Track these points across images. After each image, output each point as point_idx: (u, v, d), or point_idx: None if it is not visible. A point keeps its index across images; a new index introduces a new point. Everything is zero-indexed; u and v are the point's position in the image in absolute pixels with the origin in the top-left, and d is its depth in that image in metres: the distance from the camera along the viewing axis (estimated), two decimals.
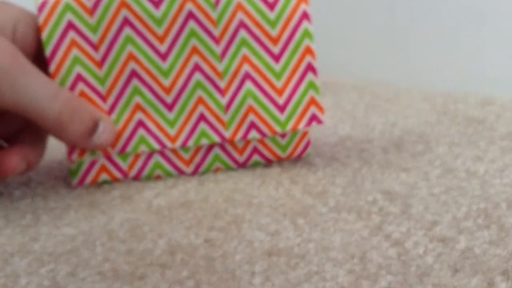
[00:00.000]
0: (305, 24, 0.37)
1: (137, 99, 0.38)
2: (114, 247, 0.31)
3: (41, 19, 0.36)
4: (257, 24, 0.37)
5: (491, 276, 0.25)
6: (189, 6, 0.37)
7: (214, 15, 0.37)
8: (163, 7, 0.37)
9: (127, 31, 0.37)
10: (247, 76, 0.38)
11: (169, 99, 0.38)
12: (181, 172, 0.39)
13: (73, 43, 0.37)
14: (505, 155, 0.38)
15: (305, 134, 0.39)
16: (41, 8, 0.36)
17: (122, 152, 0.38)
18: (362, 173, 0.38)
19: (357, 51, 0.81)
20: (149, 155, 0.39)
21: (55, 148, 0.43)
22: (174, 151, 0.39)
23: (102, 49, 0.37)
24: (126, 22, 0.37)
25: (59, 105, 0.35)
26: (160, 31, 0.37)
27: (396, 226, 0.30)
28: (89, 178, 0.39)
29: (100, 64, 0.37)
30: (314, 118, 0.38)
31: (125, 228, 0.33)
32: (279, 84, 0.38)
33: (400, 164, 0.38)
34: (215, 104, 0.38)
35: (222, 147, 0.39)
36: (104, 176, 0.39)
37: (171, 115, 0.38)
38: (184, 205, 0.35)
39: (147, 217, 0.34)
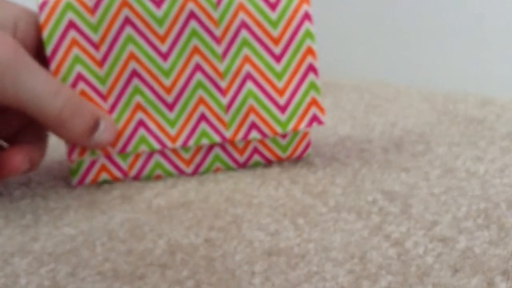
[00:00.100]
0: (306, 25, 0.37)
1: (138, 98, 0.38)
2: (114, 247, 0.31)
3: (42, 18, 0.36)
4: (259, 24, 0.37)
5: (491, 276, 0.25)
6: (191, 6, 0.37)
7: (215, 15, 0.37)
8: (164, 6, 0.37)
9: (128, 30, 0.37)
10: (248, 76, 0.38)
11: (170, 99, 0.38)
12: (181, 172, 0.39)
13: (74, 42, 0.37)
14: (505, 155, 0.38)
15: (305, 134, 0.39)
16: (42, 6, 0.36)
17: (122, 151, 0.38)
18: (362, 173, 0.38)
19: (357, 51, 0.81)
20: (150, 155, 0.39)
21: (55, 148, 0.43)
22: (174, 151, 0.39)
23: (103, 48, 0.37)
24: (127, 21, 0.37)
25: (61, 102, 0.35)
26: (161, 30, 0.37)
27: (396, 226, 0.30)
28: (89, 178, 0.39)
29: (101, 63, 0.37)
30: (315, 118, 0.38)
31: (125, 228, 0.33)
32: (280, 84, 0.38)
33: (400, 164, 0.38)
34: (216, 104, 0.38)
35: (222, 147, 0.39)
36: (104, 176, 0.39)
37: (171, 115, 0.38)
38: (184, 205, 0.35)
39: (147, 217, 0.34)
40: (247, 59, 0.37)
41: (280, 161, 0.40)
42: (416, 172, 0.37)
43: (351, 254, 0.28)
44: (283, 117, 0.38)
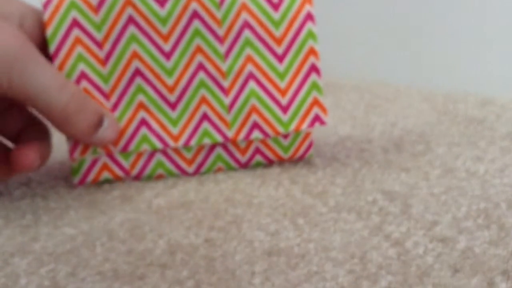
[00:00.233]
0: (309, 25, 0.37)
1: (141, 97, 0.38)
2: (114, 247, 0.31)
3: (46, 16, 0.36)
4: (261, 24, 0.37)
5: (491, 276, 0.25)
6: (194, 5, 0.37)
7: (218, 14, 0.37)
8: (168, 6, 0.37)
9: (132, 29, 0.37)
10: (250, 76, 0.38)
11: (172, 98, 0.38)
12: (183, 172, 0.39)
13: (78, 40, 0.37)
14: (505, 155, 0.38)
15: (307, 135, 0.39)
16: (46, 4, 0.36)
17: (124, 150, 0.38)
18: (362, 173, 0.38)
19: (357, 51, 0.81)
20: (151, 154, 0.39)
21: (55, 149, 0.43)
22: (176, 150, 0.39)
23: (106, 47, 0.37)
24: (130, 20, 0.37)
25: (66, 96, 0.35)
26: (164, 30, 0.37)
27: (396, 226, 0.30)
28: (91, 177, 0.39)
29: (104, 62, 0.37)
30: (317, 119, 0.38)
31: (125, 228, 0.33)
32: (282, 84, 0.38)
33: (400, 164, 0.38)
34: (218, 104, 0.38)
35: (224, 147, 0.39)
36: (106, 175, 0.39)
37: (174, 114, 0.38)
38: (184, 205, 0.35)
39: (147, 217, 0.34)
40: (249, 59, 0.37)
41: (281, 161, 0.40)
42: (416, 172, 0.37)
43: (351, 254, 0.28)
44: (285, 117, 0.38)
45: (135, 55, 0.37)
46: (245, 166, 0.40)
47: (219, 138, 0.38)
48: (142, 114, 0.38)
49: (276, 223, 0.32)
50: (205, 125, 0.38)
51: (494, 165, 0.37)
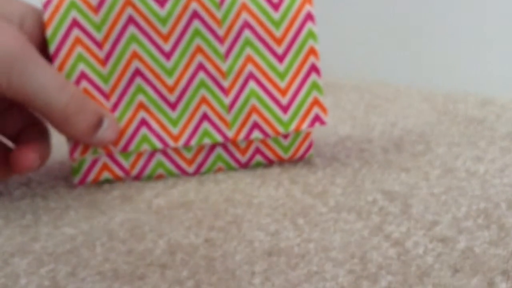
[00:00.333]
0: (309, 25, 0.37)
1: (141, 97, 0.38)
2: (114, 247, 0.31)
3: (46, 16, 0.36)
4: (262, 24, 0.37)
5: (491, 276, 0.25)
6: (194, 5, 0.37)
7: (218, 14, 0.37)
8: (168, 6, 0.37)
9: (132, 29, 0.37)
10: (250, 76, 0.38)
11: (172, 98, 0.38)
12: (183, 172, 0.39)
13: (77, 40, 0.37)
14: (505, 155, 0.38)
15: (307, 135, 0.39)
16: (46, 5, 0.36)
17: (124, 150, 0.38)
18: (362, 173, 0.38)
19: (357, 51, 0.81)
20: (151, 154, 0.39)
21: (55, 149, 0.43)
22: (176, 150, 0.39)
23: (106, 47, 0.37)
24: (130, 20, 0.37)
25: (66, 97, 0.35)
26: (164, 30, 0.37)
27: (396, 226, 0.30)
28: (91, 177, 0.39)
29: (104, 62, 0.37)
30: (317, 118, 0.38)
31: (125, 228, 0.33)
32: (282, 84, 0.38)
33: (400, 164, 0.38)
34: (219, 104, 0.38)
35: (224, 147, 0.39)
36: (106, 175, 0.39)
37: (174, 114, 0.38)
38: (184, 205, 0.35)
39: (147, 217, 0.34)
40: (249, 59, 0.37)
41: (281, 161, 0.40)
42: (416, 172, 0.37)
43: (351, 254, 0.28)
44: (285, 117, 0.38)
45: (135, 55, 0.37)
46: (245, 166, 0.40)
47: (219, 138, 0.38)
48: (142, 114, 0.38)
49: (276, 223, 0.32)
50: (205, 125, 0.38)
51: (494, 165, 0.37)
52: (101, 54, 0.37)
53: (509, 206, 0.31)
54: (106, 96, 0.38)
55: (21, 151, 0.35)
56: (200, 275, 0.27)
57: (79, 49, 0.37)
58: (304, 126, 0.38)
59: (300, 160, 0.40)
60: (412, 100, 0.54)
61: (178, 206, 0.35)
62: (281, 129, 0.38)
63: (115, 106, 0.38)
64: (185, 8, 0.37)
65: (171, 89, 0.38)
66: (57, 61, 0.37)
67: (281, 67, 0.38)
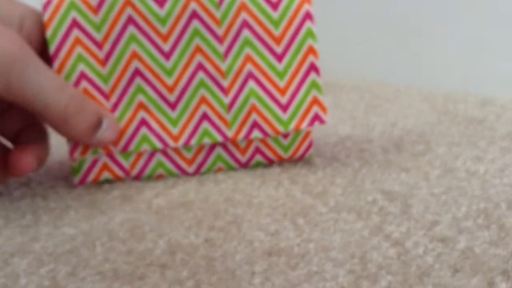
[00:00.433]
0: (308, 24, 0.37)
1: (140, 97, 0.38)
2: (114, 247, 0.31)
3: (46, 17, 0.36)
4: (261, 24, 0.37)
5: (491, 276, 0.25)
6: (193, 5, 0.37)
7: (217, 14, 0.37)
8: (167, 6, 0.37)
9: (131, 29, 0.37)
10: (250, 75, 0.38)
11: (172, 98, 0.38)
12: (183, 172, 0.39)
13: (77, 41, 0.37)
14: (505, 155, 0.38)
15: (307, 134, 0.39)
16: (46, 5, 0.36)
17: (124, 150, 0.38)
18: (362, 173, 0.38)
19: (357, 51, 0.81)
20: (151, 154, 0.39)
21: (55, 149, 0.43)
22: (176, 150, 0.39)
23: (106, 47, 0.37)
24: (130, 20, 0.37)
25: (66, 98, 0.35)
26: (164, 30, 0.37)
27: (396, 226, 0.30)
28: (91, 177, 0.39)
29: (103, 62, 0.37)
30: (316, 118, 0.38)
31: (125, 228, 0.33)
32: (282, 83, 0.38)
33: (400, 164, 0.38)
34: (218, 103, 0.38)
35: (224, 147, 0.39)
36: (106, 175, 0.39)
37: (174, 114, 0.38)
38: (184, 205, 0.35)
39: (147, 217, 0.34)
40: (249, 58, 0.37)
41: (281, 161, 0.40)
42: (416, 172, 0.37)
43: (351, 254, 0.28)
44: (285, 116, 0.38)
45: (134, 55, 0.37)
46: (245, 166, 0.40)
47: (219, 138, 0.38)
48: (142, 114, 0.38)
49: (276, 223, 0.32)
50: (205, 124, 0.38)
51: (494, 165, 0.37)
52: (101, 54, 0.37)
53: (509, 206, 0.31)
54: (106, 96, 0.38)
55: (18, 154, 0.35)
56: (200, 275, 0.27)
57: (79, 50, 0.37)
58: (304, 125, 0.38)
59: (300, 159, 0.40)
60: (412, 100, 0.54)
61: (178, 206, 0.35)
62: (280, 128, 0.38)
63: (115, 106, 0.38)
64: (184, 8, 0.37)
65: (170, 89, 0.38)
66: (57, 62, 0.37)
67: (280, 67, 0.38)
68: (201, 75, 0.38)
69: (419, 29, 0.76)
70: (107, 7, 0.36)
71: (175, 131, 0.38)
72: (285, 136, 0.39)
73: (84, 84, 0.37)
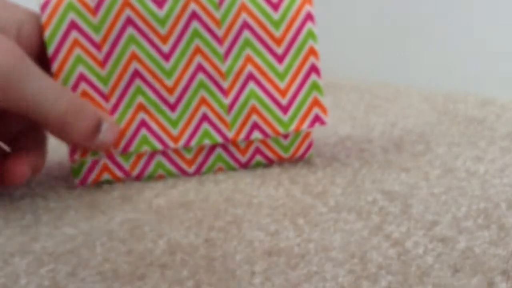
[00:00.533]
0: (309, 25, 0.37)
1: (140, 99, 0.38)
2: (114, 247, 0.31)
3: (43, 18, 0.36)
4: (261, 25, 0.37)
5: (491, 276, 0.25)
6: (193, 6, 0.37)
7: (217, 15, 0.37)
8: (166, 7, 0.37)
9: (130, 30, 0.37)
10: (250, 76, 0.38)
11: (172, 99, 0.38)
12: (183, 172, 0.39)
13: (76, 42, 0.37)
14: (505, 155, 0.38)
15: (307, 134, 0.39)
16: (43, 7, 0.36)
17: (124, 152, 0.38)
18: (362, 173, 0.38)
19: (357, 51, 0.81)
20: (152, 155, 0.39)
21: (55, 149, 0.43)
22: (176, 151, 0.39)
23: (105, 48, 0.37)
24: (129, 21, 0.37)
25: (64, 105, 0.35)
26: (163, 31, 0.37)
27: (396, 226, 0.30)
28: (91, 178, 0.39)
29: (102, 63, 0.37)
30: (317, 119, 0.38)
31: (125, 228, 0.33)
32: (282, 84, 0.38)
33: (400, 164, 0.38)
34: (218, 105, 0.38)
35: (224, 147, 0.39)
36: (106, 176, 0.39)
37: (174, 115, 0.38)
38: (184, 205, 0.35)
39: (147, 217, 0.34)
40: (249, 60, 0.37)
41: (281, 161, 0.40)
42: (416, 172, 0.37)
43: (351, 254, 0.28)
44: (285, 118, 0.38)
45: (133, 57, 0.37)
46: (245, 166, 0.40)
47: (219, 139, 0.38)
48: (141, 115, 0.38)
49: (276, 223, 0.32)
50: (205, 126, 0.38)
51: (494, 165, 0.37)
52: (100, 56, 0.37)
53: (509, 206, 0.31)
54: (106, 98, 0.38)
55: (12, 164, 0.35)
56: (200, 275, 0.27)
57: (77, 51, 0.37)
58: (304, 126, 0.38)
59: (300, 160, 0.40)
60: (412, 100, 0.54)
61: (178, 206, 0.35)
62: (281, 130, 0.38)
63: (114, 107, 0.38)
64: (184, 8, 0.37)
65: (170, 90, 0.38)
66: (56, 63, 0.37)
67: (281, 68, 0.38)
68: (201, 76, 0.38)
69: (419, 29, 0.76)
70: (105, 8, 0.36)
71: (175, 132, 0.38)
72: (285, 136, 0.39)
73: (83, 85, 0.37)
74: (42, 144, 0.38)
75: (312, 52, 0.37)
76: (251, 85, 0.38)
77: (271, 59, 0.37)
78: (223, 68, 0.38)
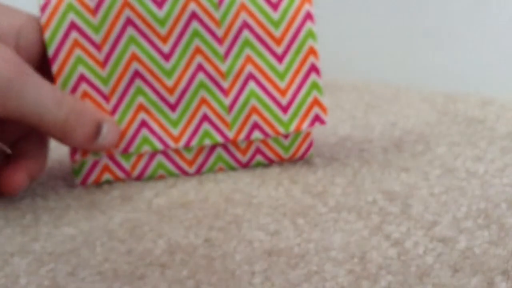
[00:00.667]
0: (308, 25, 0.37)
1: (140, 99, 0.38)
2: (114, 247, 0.31)
3: (43, 19, 0.36)
4: (261, 25, 0.37)
5: (491, 276, 0.25)
6: (192, 6, 0.37)
7: (217, 15, 0.37)
8: (166, 7, 0.37)
9: (130, 31, 0.37)
10: (250, 76, 0.38)
11: (172, 99, 0.38)
12: (184, 173, 0.39)
13: (76, 43, 0.37)
14: (505, 155, 0.38)
15: (308, 134, 0.39)
16: (43, 8, 0.36)
17: (125, 152, 0.38)
18: (362, 173, 0.38)
19: (357, 51, 0.81)
20: (152, 155, 0.39)
21: (55, 148, 0.43)
22: (177, 151, 0.39)
23: (105, 49, 0.37)
24: (129, 22, 0.37)
25: (65, 112, 0.35)
26: (163, 31, 0.37)
27: (396, 226, 0.30)
28: (92, 178, 0.39)
29: (103, 64, 0.37)
30: (317, 118, 0.38)
31: (125, 228, 0.33)
32: (282, 84, 0.38)
33: (400, 164, 0.38)
34: (218, 105, 0.38)
35: (225, 147, 0.39)
36: (107, 176, 0.39)
37: (174, 115, 0.38)
38: (184, 205, 0.35)
39: (147, 217, 0.34)
40: (249, 59, 0.37)
41: (281, 161, 0.40)
42: (416, 172, 0.37)
43: (351, 254, 0.28)
44: (285, 117, 0.38)
45: (134, 57, 0.37)
46: (245, 166, 0.40)
47: (219, 139, 0.38)
48: (142, 115, 0.38)
49: (276, 223, 0.32)
50: (206, 126, 0.38)
51: (494, 165, 0.37)
52: (100, 56, 0.37)
53: (509, 206, 0.31)
54: (106, 98, 0.38)
55: (9, 172, 0.36)
56: (200, 275, 0.27)
57: (78, 52, 0.37)
58: (304, 126, 0.38)
59: (300, 159, 0.40)
60: (412, 100, 0.54)
61: (178, 206, 0.35)
62: (281, 129, 0.38)
63: (115, 108, 0.38)
64: (184, 9, 0.37)
65: (170, 91, 0.38)
66: (56, 65, 0.37)
67: (280, 67, 0.38)
68: (201, 76, 0.38)
69: (419, 29, 0.76)
70: (105, 8, 0.36)
71: (175, 132, 0.38)
72: (286, 136, 0.39)
73: (83, 86, 0.37)
74: (43, 147, 0.38)
75: (312, 51, 0.37)
76: (251, 85, 0.38)
77: (271, 58, 0.37)
78: (223, 68, 0.38)
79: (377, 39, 0.80)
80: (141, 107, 0.38)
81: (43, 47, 0.37)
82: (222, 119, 0.38)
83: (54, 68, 0.37)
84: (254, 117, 0.38)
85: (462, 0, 0.73)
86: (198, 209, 0.34)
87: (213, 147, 0.39)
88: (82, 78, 0.37)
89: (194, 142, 0.38)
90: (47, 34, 0.36)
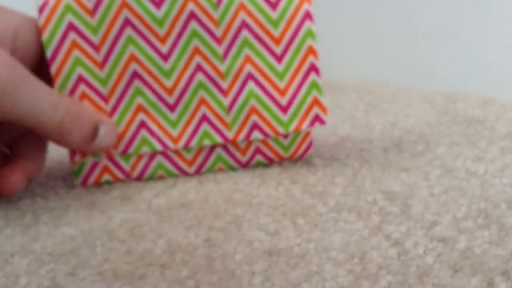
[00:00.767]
0: (307, 24, 0.37)
1: (139, 100, 0.38)
2: (114, 247, 0.31)
3: (41, 20, 0.36)
4: (260, 24, 0.37)
5: (491, 276, 0.25)
6: (191, 6, 0.37)
7: (216, 15, 0.37)
8: (164, 7, 0.36)
9: (129, 31, 0.37)
10: (249, 76, 0.38)
11: (171, 100, 0.38)
12: (183, 173, 0.39)
13: (74, 44, 0.37)
14: (505, 155, 0.38)
15: (307, 134, 0.39)
16: (41, 9, 0.36)
17: (124, 153, 0.38)
18: (362, 173, 0.38)
19: (357, 51, 0.81)
20: (152, 156, 0.39)
21: (54, 149, 0.43)
22: (176, 151, 0.39)
23: (104, 50, 0.37)
24: (127, 22, 0.37)
25: (61, 114, 0.35)
26: (161, 31, 0.37)
27: (396, 226, 0.30)
28: (92, 179, 0.39)
29: (101, 65, 0.37)
30: (317, 118, 0.38)
31: (125, 228, 0.33)
32: (281, 84, 0.38)
33: (400, 164, 0.38)
34: (218, 105, 0.38)
35: (224, 147, 0.39)
36: (106, 177, 0.39)
37: (173, 116, 0.38)
38: (184, 205, 0.35)
39: (147, 217, 0.34)
40: (248, 59, 0.37)
41: (281, 161, 0.40)
42: (416, 172, 0.37)
43: (351, 254, 0.28)
44: (285, 117, 0.38)
45: (132, 58, 0.37)
46: (245, 166, 0.40)
47: (219, 139, 0.38)
48: (141, 116, 0.38)
49: (276, 223, 0.32)
50: (205, 126, 0.38)
51: (494, 165, 0.37)
52: (99, 57, 0.37)
53: (509, 206, 0.31)
54: (105, 99, 0.38)
55: (7, 174, 0.36)
56: (200, 275, 0.27)
57: (76, 53, 0.37)
58: (304, 126, 0.38)
59: (300, 159, 0.40)
60: (412, 100, 0.54)
61: (178, 206, 0.35)
62: (281, 130, 0.38)
63: (114, 108, 0.38)
64: (182, 9, 0.37)
65: (169, 91, 0.38)
66: (54, 66, 0.37)
67: (280, 67, 0.38)
68: (200, 76, 0.38)
69: (419, 29, 0.76)
70: (103, 9, 0.36)
71: (174, 133, 0.38)
72: (285, 136, 0.39)
73: (82, 87, 0.37)
74: (41, 148, 0.38)
75: (311, 51, 0.37)
76: (251, 85, 0.38)
77: (270, 58, 0.37)
78: (222, 68, 0.38)
79: (377, 39, 0.80)
80: (140, 108, 0.38)
81: (40, 48, 0.36)
82: (221, 120, 0.38)
83: (53, 69, 0.37)
84: (254, 117, 0.38)
85: (462, 0, 0.73)
86: (198, 209, 0.34)
87: (212, 147, 0.39)
88: (80, 79, 0.37)
89: (193, 143, 0.38)
90: (45, 36, 0.36)
